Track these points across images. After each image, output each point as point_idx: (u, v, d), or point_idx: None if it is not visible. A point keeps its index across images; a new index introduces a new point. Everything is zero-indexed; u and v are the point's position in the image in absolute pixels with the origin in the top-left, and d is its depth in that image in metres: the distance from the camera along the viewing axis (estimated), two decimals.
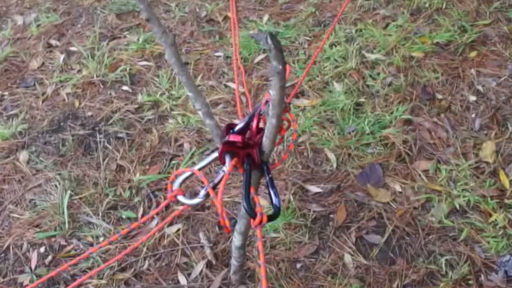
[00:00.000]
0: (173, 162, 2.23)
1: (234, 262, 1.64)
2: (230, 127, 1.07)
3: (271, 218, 1.01)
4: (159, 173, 2.18)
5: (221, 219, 1.02)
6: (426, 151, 2.15)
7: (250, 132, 1.06)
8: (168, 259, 1.87)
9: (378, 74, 2.52)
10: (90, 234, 1.98)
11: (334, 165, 2.12)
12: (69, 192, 2.12)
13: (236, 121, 1.11)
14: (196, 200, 1.04)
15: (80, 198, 2.11)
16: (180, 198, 1.05)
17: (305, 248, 1.85)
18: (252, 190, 1.06)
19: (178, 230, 1.95)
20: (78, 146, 2.35)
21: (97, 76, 2.72)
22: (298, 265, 1.80)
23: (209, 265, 1.83)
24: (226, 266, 1.81)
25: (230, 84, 2.58)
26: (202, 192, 1.03)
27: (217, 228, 1.94)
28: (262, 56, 2.71)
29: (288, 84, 2.53)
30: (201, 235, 1.92)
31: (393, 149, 2.16)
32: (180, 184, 1.08)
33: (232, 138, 1.03)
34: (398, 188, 2.02)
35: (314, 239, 1.87)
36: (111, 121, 2.46)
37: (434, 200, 1.95)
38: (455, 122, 2.26)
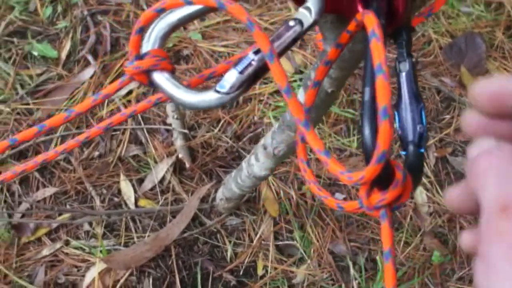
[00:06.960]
0: None
1: (234, 188, 0.85)
2: None
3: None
4: None
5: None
6: None
7: None
8: (105, 147, 1.05)
9: None
10: None
11: None
12: None
13: None
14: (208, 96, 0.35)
15: None
16: (158, 76, 0.35)
17: (351, 161, 1.06)
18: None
19: (130, 92, 1.11)
20: None
21: None
22: (337, 195, 1.03)
23: (177, 169, 1.03)
24: (208, 176, 1.02)
25: None
26: (231, 79, 0.33)
27: None
28: None
29: None
30: (169, 108, 1.09)
31: (501, 13, 1.30)
32: (163, 40, 0.36)
33: None
34: None
35: None
36: None
37: None
38: None
